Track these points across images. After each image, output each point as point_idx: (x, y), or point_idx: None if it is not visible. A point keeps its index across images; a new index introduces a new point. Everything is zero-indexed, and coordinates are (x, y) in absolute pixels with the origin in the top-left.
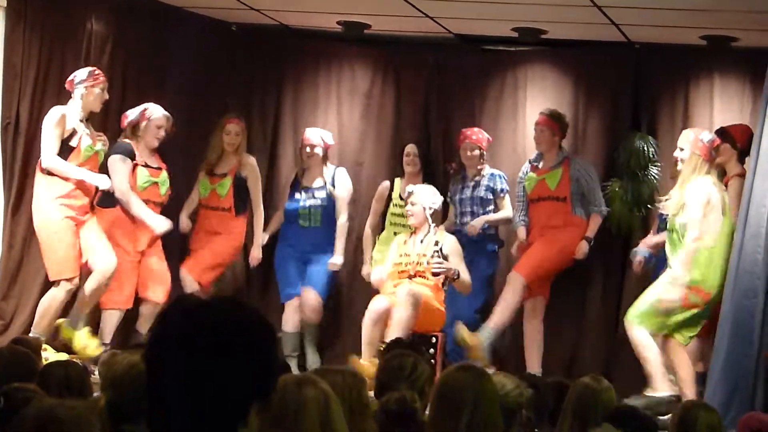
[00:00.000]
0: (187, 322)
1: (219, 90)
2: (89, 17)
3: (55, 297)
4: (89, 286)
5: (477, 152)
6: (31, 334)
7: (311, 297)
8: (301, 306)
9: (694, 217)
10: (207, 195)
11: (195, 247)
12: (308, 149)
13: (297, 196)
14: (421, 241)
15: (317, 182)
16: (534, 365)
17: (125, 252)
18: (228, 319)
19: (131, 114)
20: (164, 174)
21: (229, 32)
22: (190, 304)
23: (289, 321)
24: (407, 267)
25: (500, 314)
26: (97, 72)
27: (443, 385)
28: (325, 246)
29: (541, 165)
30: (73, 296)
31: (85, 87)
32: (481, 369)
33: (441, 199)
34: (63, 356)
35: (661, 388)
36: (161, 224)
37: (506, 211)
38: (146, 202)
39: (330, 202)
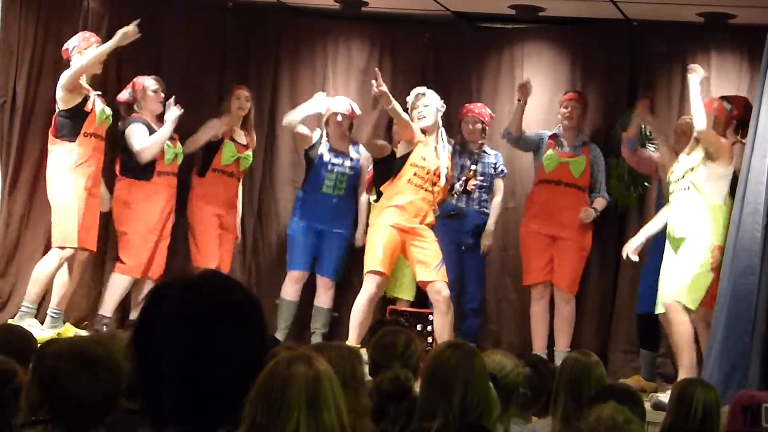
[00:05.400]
0: (184, 303)
1: (215, 67)
2: None
3: (47, 265)
4: (64, 277)
5: (479, 126)
6: (23, 303)
7: (325, 284)
8: (316, 292)
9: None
10: (231, 162)
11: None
12: (340, 117)
13: (326, 158)
14: (435, 149)
15: (347, 151)
16: (540, 346)
17: (144, 223)
18: (224, 299)
19: (122, 95)
20: (179, 145)
21: (225, 9)
22: (181, 286)
23: (288, 290)
24: (427, 176)
25: (568, 335)
26: (88, 34)
27: (434, 365)
28: (341, 217)
29: (563, 146)
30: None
31: (80, 52)
32: (471, 346)
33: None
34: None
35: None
36: (173, 113)
37: (499, 195)
38: (166, 174)
39: (356, 174)
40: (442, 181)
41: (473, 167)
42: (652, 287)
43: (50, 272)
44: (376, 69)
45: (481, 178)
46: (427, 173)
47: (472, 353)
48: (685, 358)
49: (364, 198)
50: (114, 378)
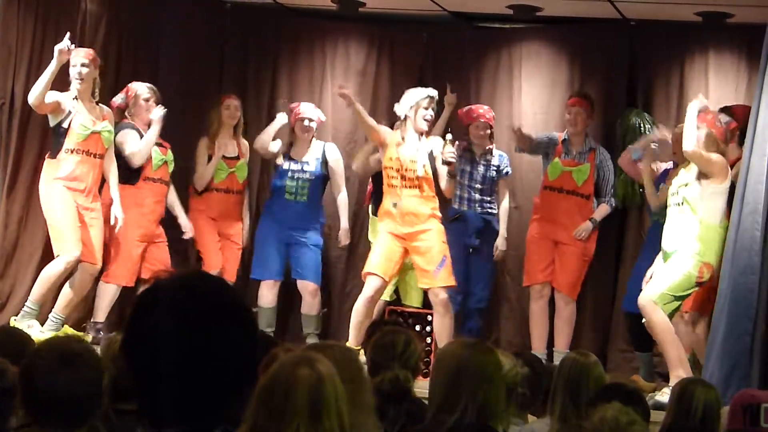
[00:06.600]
0: (179, 304)
1: (213, 68)
2: None
3: (52, 269)
4: (71, 287)
5: (489, 131)
6: (27, 303)
7: (310, 289)
8: (301, 299)
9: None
10: (225, 178)
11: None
12: (306, 122)
13: (285, 166)
14: (413, 144)
15: (306, 156)
16: (539, 346)
17: (130, 229)
18: (218, 298)
19: (117, 99)
20: (170, 153)
21: (223, 10)
22: (174, 288)
23: (265, 296)
24: (398, 173)
25: (568, 335)
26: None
27: (460, 363)
28: (309, 222)
29: (571, 153)
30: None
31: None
32: (487, 345)
33: None
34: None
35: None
36: (157, 113)
37: (506, 200)
38: (158, 180)
39: (318, 178)
40: (420, 171)
41: (448, 136)
42: (638, 288)
43: (55, 275)
44: (341, 86)
45: (457, 143)
46: (398, 170)
47: (494, 353)
48: (670, 353)
49: (342, 196)
50: (95, 375)
